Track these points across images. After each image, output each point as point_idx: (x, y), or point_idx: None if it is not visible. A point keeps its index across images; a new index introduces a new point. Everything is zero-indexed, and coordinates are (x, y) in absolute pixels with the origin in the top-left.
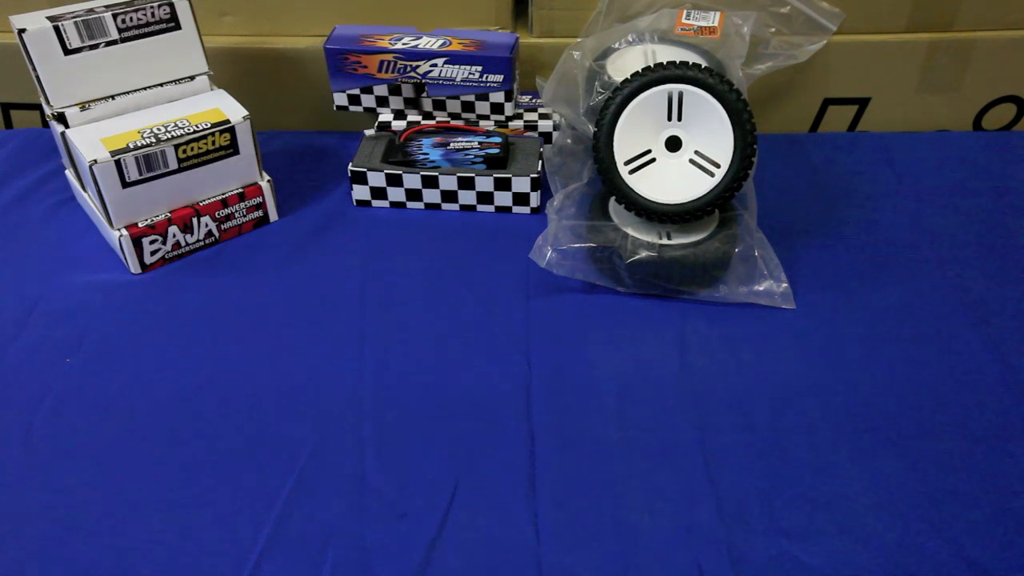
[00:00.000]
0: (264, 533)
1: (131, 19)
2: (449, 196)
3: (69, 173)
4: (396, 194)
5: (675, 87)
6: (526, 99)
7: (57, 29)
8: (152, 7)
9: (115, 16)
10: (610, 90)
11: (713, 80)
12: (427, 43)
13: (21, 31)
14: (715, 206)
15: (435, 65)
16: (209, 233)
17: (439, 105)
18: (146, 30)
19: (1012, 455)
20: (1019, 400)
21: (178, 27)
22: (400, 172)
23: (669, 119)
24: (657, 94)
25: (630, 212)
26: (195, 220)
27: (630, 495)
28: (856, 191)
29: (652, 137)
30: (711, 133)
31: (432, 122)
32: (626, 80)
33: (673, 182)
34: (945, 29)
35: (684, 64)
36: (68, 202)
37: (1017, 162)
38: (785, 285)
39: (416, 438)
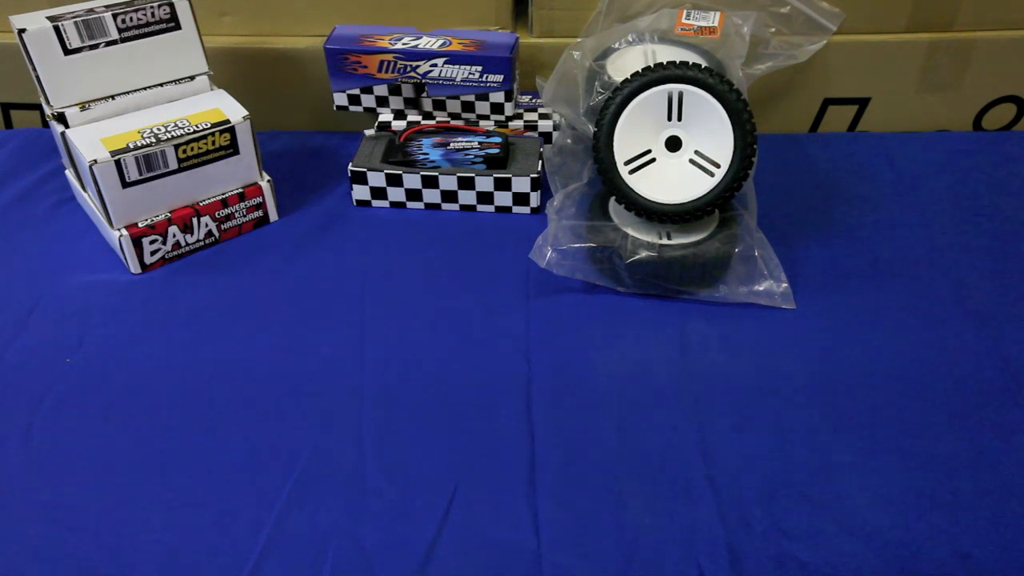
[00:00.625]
0: (264, 533)
1: (131, 19)
2: (449, 196)
3: (69, 173)
4: (396, 194)
5: (675, 87)
6: (526, 99)
7: (57, 29)
8: (152, 7)
9: (115, 16)
10: (610, 90)
11: (713, 80)
12: (427, 43)
13: (21, 31)
14: (715, 206)
15: (435, 65)
16: (209, 233)
17: (439, 105)
18: (146, 30)
19: (1012, 455)
20: (1019, 400)
21: (178, 27)
22: (400, 172)
23: (669, 119)
24: (657, 94)
25: (630, 212)
26: (195, 220)
27: (630, 495)
28: (856, 191)
29: (652, 137)
30: (711, 133)
31: (432, 122)
32: (626, 80)
33: (673, 182)
34: (945, 29)
35: (684, 64)
36: (68, 202)
37: (1017, 162)
38: (785, 285)
39: (416, 438)
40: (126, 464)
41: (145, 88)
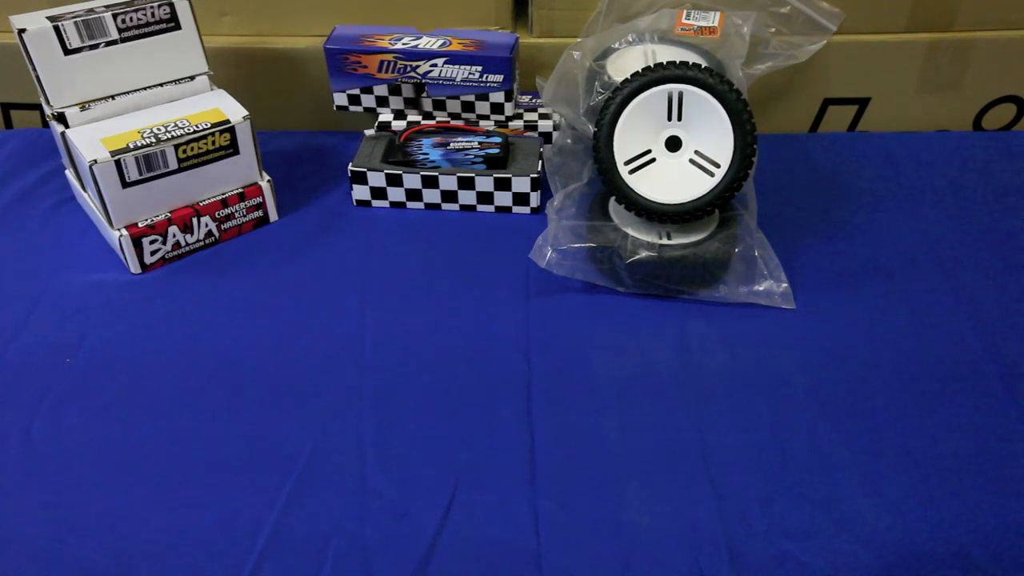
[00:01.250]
0: (264, 533)
1: (131, 19)
2: (449, 196)
3: (69, 173)
4: (396, 194)
5: (675, 87)
6: (526, 99)
7: (57, 29)
8: (152, 7)
9: (115, 16)
10: (610, 90)
11: (713, 80)
12: (427, 43)
13: (21, 31)
14: (715, 206)
15: (435, 65)
16: (209, 233)
17: (439, 105)
18: (146, 30)
19: (1012, 455)
20: (1019, 400)
21: (178, 27)
22: (400, 172)
23: (669, 119)
24: (657, 94)
25: (630, 212)
26: (195, 220)
27: (630, 495)
28: (856, 191)
29: (652, 137)
30: (711, 133)
31: (432, 122)
32: (626, 80)
33: (673, 182)
34: (945, 29)
35: (684, 64)
36: (68, 202)
37: (1017, 162)
38: (785, 285)
39: (416, 438)
40: (126, 464)
41: (145, 88)
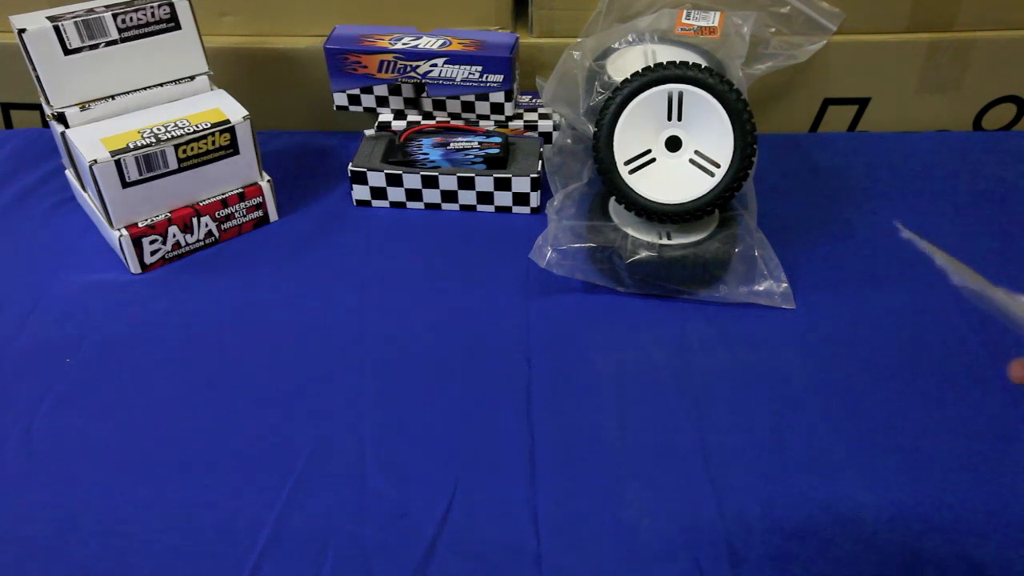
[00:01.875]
0: (264, 533)
1: (131, 19)
2: (449, 196)
3: (69, 173)
4: (396, 194)
5: (675, 87)
6: (526, 99)
7: (57, 29)
8: (152, 7)
9: (115, 16)
10: (610, 90)
11: (713, 80)
12: (427, 43)
13: (21, 31)
14: (715, 206)
15: (435, 65)
16: (209, 233)
17: (439, 105)
18: (146, 30)
19: (1012, 455)
20: (1019, 400)
21: (178, 27)
22: (400, 172)
23: (669, 119)
24: (657, 94)
25: (630, 212)
26: (195, 220)
27: (630, 495)
28: (856, 191)
29: (652, 137)
30: (711, 133)
31: (432, 122)
32: (626, 80)
33: (673, 182)
34: (945, 29)
35: (684, 64)
36: (68, 202)
37: (1017, 162)
38: (785, 285)
39: (416, 438)
40: (126, 464)
41: (145, 88)
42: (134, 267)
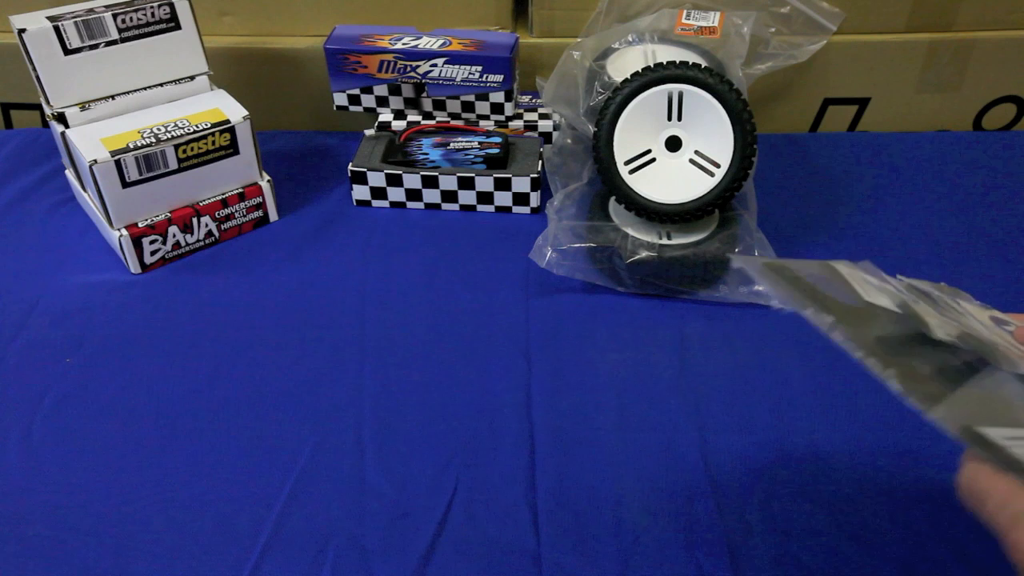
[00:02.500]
0: (264, 533)
1: (131, 19)
2: (449, 196)
3: (69, 173)
4: (396, 194)
5: (675, 87)
6: (526, 99)
7: (57, 29)
8: (152, 7)
9: (115, 16)
10: (610, 90)
11: (713, 80)
12: (427, 43)
13: (21, 31)
14: (715, 206)
15: (435, 65)
16: (209, 233)
17: (439, 105)
18: (146, 30)
19: None
20: None
21: (178, 27)
22: (400, 172)
23: (669, 119)
24: (657, 94)
25: (630, 212)
26: (195, 220)
27: (630, 495)
28: (856, 191)
29: (652, 137)
30: (711, 133)
31: (432, 122)
32: (626, 80)
33: (673, 182)
34: (945, 29)
35: (684, 64)
36: (68, 202)
37: (1017, 162)
38: None
39: (416, 438)
40: (126, 464)
41: (145, 88)
42: (134, 267)
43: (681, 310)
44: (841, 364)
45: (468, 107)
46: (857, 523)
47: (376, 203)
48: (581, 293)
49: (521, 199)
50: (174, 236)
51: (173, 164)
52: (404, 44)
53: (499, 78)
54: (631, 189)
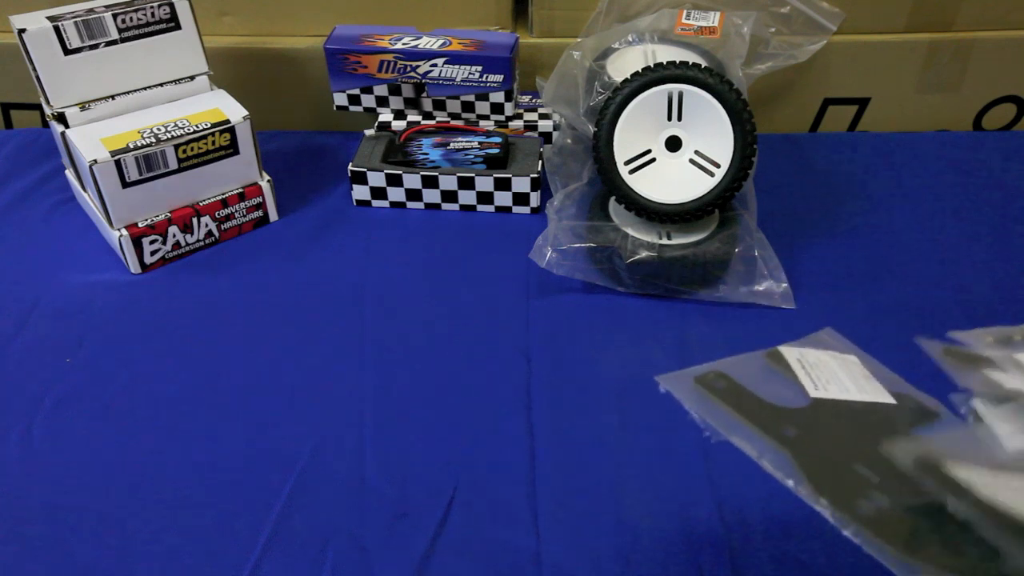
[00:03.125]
0: (264, 533)
1: (131, 19)
2: (449, 196)
3: (69, 173)
4: (396, 194)
5: (675, 87)
6: (526, 99)
7: (57, 29)
8: (152, 7)
9: (115, 16)
10: (610, 90)
11: (713, 80)
12: (427, 43)
13: (21, 31)
14: (715, 206)
15: (435, 65)
16: (209, 233)
17: (439, 105)
18: (146, 30)
19: None
20: None
21: (178, 27)
22: (400, 172)
23: (669, 119)
24: (657, 94)
25: (630, 212)
26: (195, 220)
27: (630, 495)
28: (856, 191)
29: (652, 137)
30: (711, 133)
31: (432, 122)
32: (626, 80)
33: (673, 182)
34: (945, 29)
35: (684, 64)
36: (68, 202)
37: (1017, 162)
38: (785, 285)
39: (416, 438)
40: (126, 464)
41: (145, 88)
42: (134, 267)
43: (681, 310)
44: None
45: (468, 107)
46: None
47: (376, 203)
48: (581, 293)
49: (521, 199)
50: (174, 236)
51: (173, 164)
52: (404, 44)
53: (499, 78)
54: (631, 189)
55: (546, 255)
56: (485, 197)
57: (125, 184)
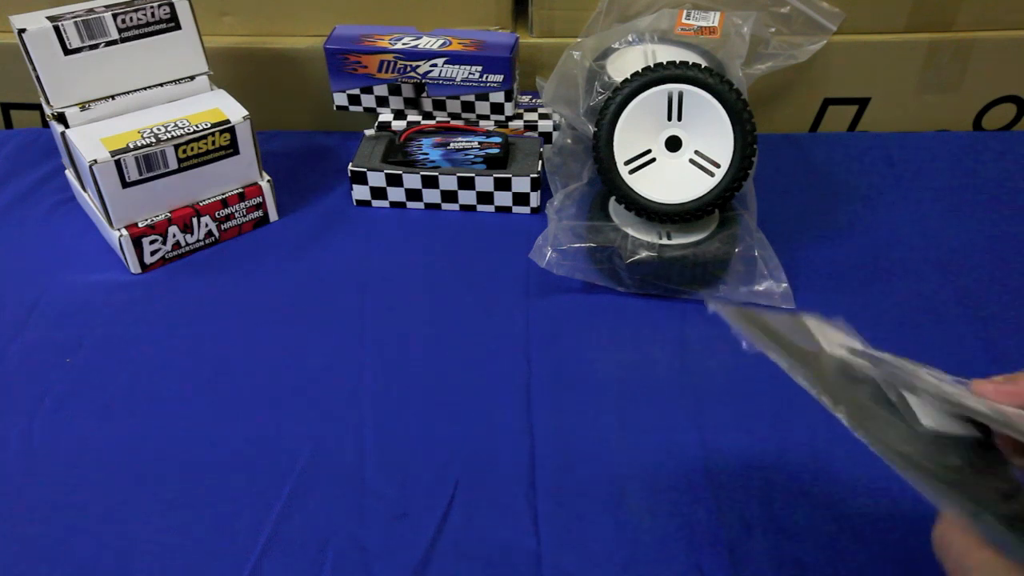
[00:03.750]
0: (264, 533)
1: (131, 19)
2: (449, 196)
3: (69, 173)
4: (396, 194)
5: (675, 87)
6: (526, 99)
7: (57, 29)
8: (152, 7)
9: (115, 16)
10: (610, 90)
11: (713, 80)
12: (427, 43)
13: (21, 31)
14: (715, 206)
15: (435, 65)
16: (209, 233)
17: (439, 105)
18: (146, 30)
19: None
20: None
21: (178, 27)
22: (400, 172)
23: (669, 119)
24: (657, 94)
25: (630, 212)
26: (195, 220)
27: (630, 495)
28: (856, 191)
29: (652, 137)
30: (711, 133)
31: (432, 122)
32: (626, 80)
33: (673, 182)
34: (945, 29)
35: (684, 64)
36: (68, 202)
37: (1017, 162)
38: (785, 285)
39: (416, 438)
40: (126, 464)
41: (145, 88)
42: (134, 267)
43: (681, 310)
44: None
45: (468, 107)
46: (857, 523)
47: (376, 203)
48: (581, 293)
49: (521, 199)
50: (174, 236)
51: (173, 164)
52: (404, 44)
53: (499, 78)
54: (631, 189)
55: (546, 255)
56: (485, 197)
57: (125, 184)
